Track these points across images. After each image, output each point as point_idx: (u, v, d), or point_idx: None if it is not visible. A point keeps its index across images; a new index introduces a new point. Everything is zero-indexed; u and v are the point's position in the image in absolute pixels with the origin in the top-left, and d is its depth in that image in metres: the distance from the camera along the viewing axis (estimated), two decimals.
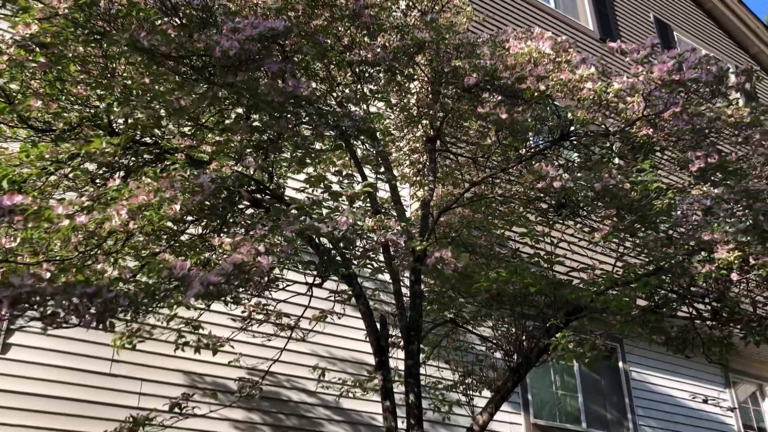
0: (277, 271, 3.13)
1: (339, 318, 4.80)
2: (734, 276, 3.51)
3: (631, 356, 8.60)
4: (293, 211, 2.97)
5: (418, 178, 6.01)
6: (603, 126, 3.88)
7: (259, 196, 4.04)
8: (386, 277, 4.96)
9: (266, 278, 2.72)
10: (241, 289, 3.00)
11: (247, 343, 5.46)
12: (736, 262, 3.49)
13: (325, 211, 3.26)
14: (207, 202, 3.00)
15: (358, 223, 3.16)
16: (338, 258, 3.64)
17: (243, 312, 4.04)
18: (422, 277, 5.03)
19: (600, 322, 4.89)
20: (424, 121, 5.31)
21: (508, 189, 4.83)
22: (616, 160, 4.18)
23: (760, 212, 3.75)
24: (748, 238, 3.53)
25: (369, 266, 4.48)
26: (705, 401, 5.35)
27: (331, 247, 3.60)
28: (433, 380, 5.73)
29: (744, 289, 4.15)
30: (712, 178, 3.64)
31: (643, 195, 3.47)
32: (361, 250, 3.47)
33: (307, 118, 3.69)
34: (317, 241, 3.64)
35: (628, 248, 4.24)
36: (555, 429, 7.46)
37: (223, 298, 2.93)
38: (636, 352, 8.64)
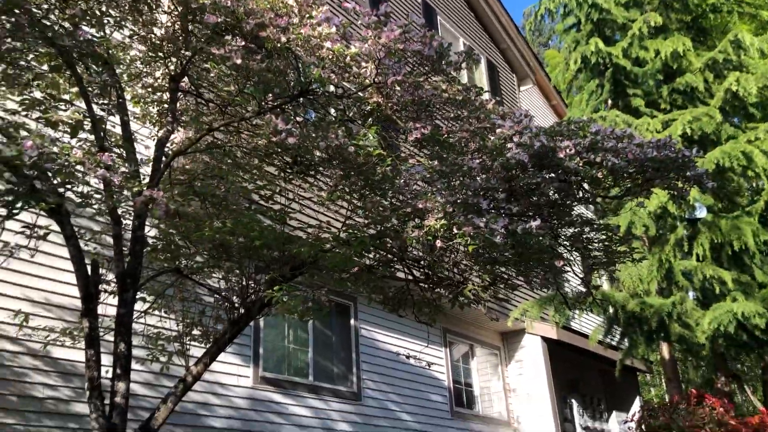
0: None
1: (33, 255, 4.36)
2: (439, 243, 3.81)
3: (363, 314, 9.10)
4: None
5: (161, 120, 5.66)
6: (340, 88, 3.95)
7: None
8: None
9: None
10: None
11: None
12: (441, 230, 3.79)
13: (23, 134, 2.90)
14: None
15: (62, 152, 2.85)
16: (41, 188, 3.27)
17: None
18: (151, 221, 4.76)
19: (323, 279, 5.06)
20: (172, 58, 4.99)
21: (249, 141, 4.75)
22: (350, 124, 4.31)
23: (469, 188, 4.11)
24: (455, 209, 3.84)
25: (91, 208, 4.12)
26: (408, 357, 5.82)
27: (32, 175, 3.21)
28: (155, 330, 5.50)
29: (451, 256, 4.54)
30: (430, 149, 3.90)
31: (367, 160, 3.62)
32: (61, 181, 3.14)
33: (16, 29, 3.23)
34: (17, 168, 3.23)
35: (353, 209, 4.41)
36: (282, 381, 7.65)
37: None
38: (367, 311, 9.16)
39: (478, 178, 3.91)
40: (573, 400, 12.94)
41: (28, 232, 3.67)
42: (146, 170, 4.85)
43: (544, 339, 11.68)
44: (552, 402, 11.27)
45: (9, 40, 3.34)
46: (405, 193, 4.18)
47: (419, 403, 9.53)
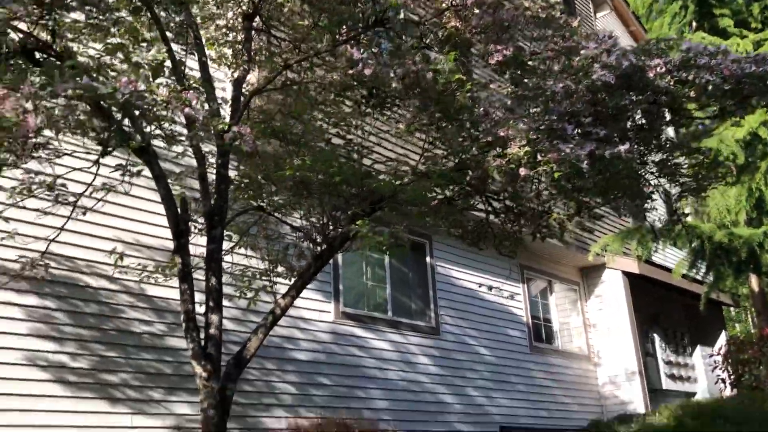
0: (49, 133, 2.82)
1: (126, 193, 4.52)
2: (522, 171, 3.73)
3: (439, 252, 9.12)
4: (69, 69, 2.65)
5: (236, 60, 5.71)
6: (415, 15, 3.85)
7: (42, 56, 3.59)
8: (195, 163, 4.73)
9: (33, 140, 2.43)
10: (7, 154, 2.68)
11: (28, 223, 5.02)
12: (525, 157, 3.70)
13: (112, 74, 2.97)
14: None
15: (150, 90, 2.91)
16: (131, 129, 3.37)
17: (21, 184, 3.65)
18: (231, 162, 4.85)
19: (406, 216, 5.06)
20: None
21: (323, 77, 4.72)
22: (427, 51, 4.21)
23: (553, 113, 3.98)
24: (539, 136, 3.74)
25: (174, 150, 4.23)
26: (489, 288, 5.81)
27: (121, 115, 3.31)
28: (241, 267, 5.68)
29: (533, 186, 4.44)
30: (511, 73, 3.78)
31: (446, 87, 3.54)
32: (155, 122, 3.21)
33: None
34: (107, 109, 3.32)
35: (432, 141, 4.35)
36: (362, 317, 7.82)
37: None
38: (443, 248, 9.17)
39: (563, 103, 3.77)
40: (655, 335, 12.72)
41: (120, 171, 3.79)
42: (224, 112, 4.91)
43: (625, 273, 11.44)
44: (633, 336, 11.11)
45: None
46: (485, 121, 4.08)
47: (497, 338, 9.58)
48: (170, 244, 5.98)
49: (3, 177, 4.14)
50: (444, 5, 3.65)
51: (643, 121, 4.45)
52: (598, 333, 11.46)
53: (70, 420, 5.13)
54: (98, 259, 5.68)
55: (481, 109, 4.02)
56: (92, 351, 5.45)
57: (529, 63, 3.86)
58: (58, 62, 3.16)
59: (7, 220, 3.92)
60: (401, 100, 3.98)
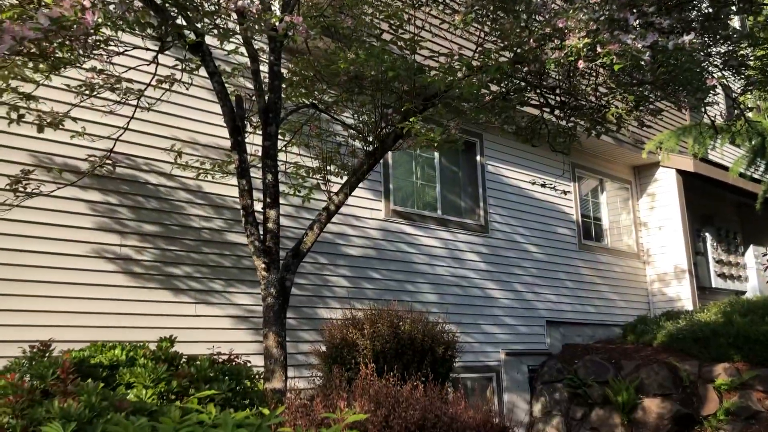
0: (109, 32, 2.86)
1: (188, 88, 4.57)
2: (581, 63, 3.62)
3: (489, 150, 9.06)
4: None
5: None
6: None
7: None
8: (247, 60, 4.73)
9: (92, 37, 2.47)
10: (65, 50, 2.73)
11: (94, 123, 5.17)
12: (584, 49, 3.58)
13: None
14: None
15: None
16: (184, 23, 3.37)
17: (85, 81, 3.73)
18: (283, 60, 4.84)
19: (458, 113, 5.01)
20: None
21: None
22: None
23: (614, 3, 3.81)
24: (598, 26, 3.60)
25: (225, 48, 4.22)
26: (543, 185, 5.80)
27: (174, 11, 3.31)
28: (293, 165, 5.78)
29: (591, 81, 4.33)
30: None
31: None
32: (204, 11, 3.20)
33: None
34: (158, 1, 3.32)
35: (487, 34, 4.24)
36: (412, 214, 7.93)
37: (48, 60, 2.66)
38: (494, 147, 9.10)
39: None
40: (707, 234, 12.57)
41: (180, 66, 3.83)
42: (274, 8, 4.85)
43: (679, 172, 11.19)
44: (684, 235, 11.01)
45: None
46: (543, 12, 3.94)
47: (546, 236, 9.63)
48: (224, 142, 6.12)
49: (64, 76, 4.24)
50: None
51: (710, 10, 4.23)
52: (649, 232, 11.39)
53: (139, 308, 5.46)
54: (156, 156, 5.84)
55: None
56: (155, 245, 5.71)
57: None
58: None
59: (75, 119, 4.04)
60: None
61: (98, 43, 2.76)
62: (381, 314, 5.51)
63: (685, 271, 10.89)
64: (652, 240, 11.35)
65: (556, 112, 4.89)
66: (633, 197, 11.57)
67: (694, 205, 12.02)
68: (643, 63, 3.56)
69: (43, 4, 2.42)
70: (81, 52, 2.72)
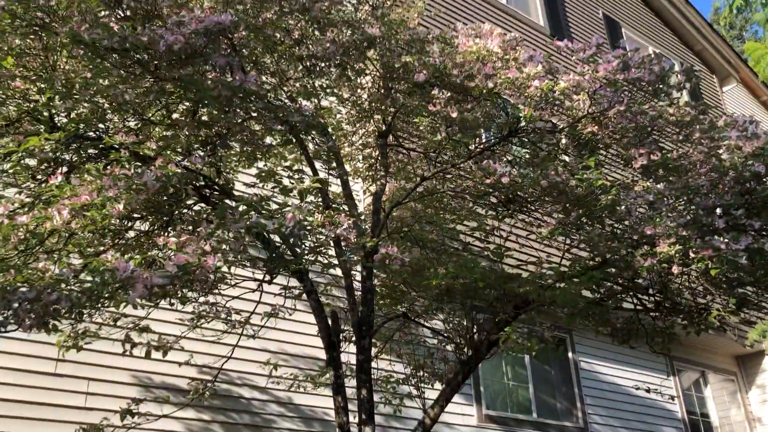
0: (224, 269, 3.09)
1: (290, 314, 4.77)
2: (675, 269, 3.61)
3: (581, 347, 8.79)
4: (240, 207, 2.93)
5: (370, 173, 6.01)
6: (550, 123, 3.93)
7: (207, 191, 3.98)
8: (339, 272, 4.96)
9: (212, 277, 2.68)
10: (186, 290, 2.95)
11: (198, 341, 5.39)
12: (676, 255, 3.59)
13: (274, 207, 3.23)
14: (152, 200, 2.94)
15: (307, 218, 3.14)
16: (288, 253, 3.62)
17: (193, 311, 3.97)
18: (374, 272, 5.03)
19: (548, 315, 4.98)
20: (376, 116, 5.31)
21: (459, 184, 4.87)
22: (563, 157, 4.26)
23: (699, 207, 3.87)
24: (688, 232, 3.63)
25: (320, 262, 4.46)
26: (648, 390, 5.51)
27: (280, 243, 3.57)
28: (384, 374, 5.75)
29: (685, 281, 4.27)
30: (655, 174, 3.73)
31: (589, 191, 3.55)
32: (309, 247, 3.45)
33: (255, 113, 3.64)
34: (266, 236, 3.60)
35: (575, 242, 4.32)
36: (506, 419, 7.59)
37: (169, 299, 2.87)
38: (585, 342, 8.83)
39: (710, 195, 3.67)
40: None
41: (284, 294, 4.04)
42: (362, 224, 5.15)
43: None
44: None
45: (252, 123, 3.77)
46: (628, 219, 4.03)
47: None
48: (311, 351, 6.20)
49: (175, 311, 4.52)
50: (580, 113, 3.73)
51: None
52: (765, 428, 10.41)
53: None
54: (250, 369, 5.94)
55: (623, 207, 3.98)
56: None
57: (680, 163, 3.81)
58: (226, 200, 3.49)
59: (182, 348, 4.23)
60: (541, 204, 4.02)
61: (216, 282, 2.98)
62: None
63: None
64: None
65: (652, 312, 4.79)
66: (741, 390, 10.76)
67: None
68: (740, 265, 3.53)
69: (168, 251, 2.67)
70: (200, 291, 2.94)
